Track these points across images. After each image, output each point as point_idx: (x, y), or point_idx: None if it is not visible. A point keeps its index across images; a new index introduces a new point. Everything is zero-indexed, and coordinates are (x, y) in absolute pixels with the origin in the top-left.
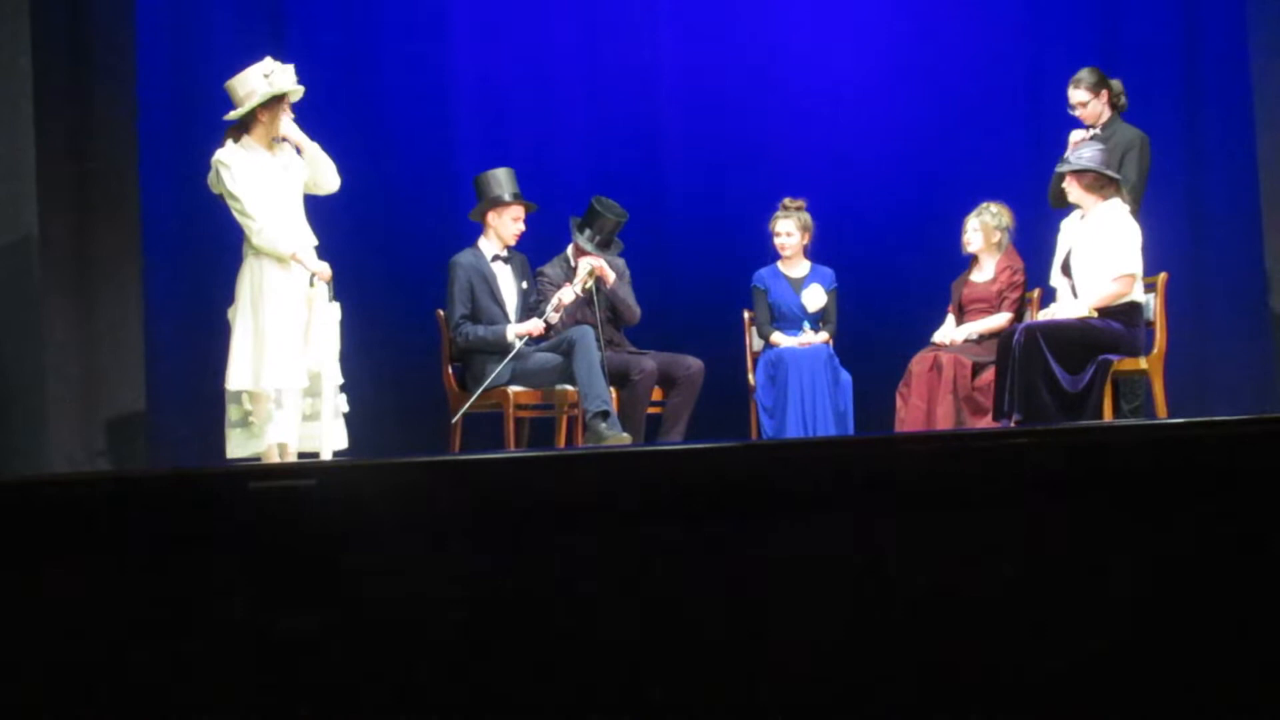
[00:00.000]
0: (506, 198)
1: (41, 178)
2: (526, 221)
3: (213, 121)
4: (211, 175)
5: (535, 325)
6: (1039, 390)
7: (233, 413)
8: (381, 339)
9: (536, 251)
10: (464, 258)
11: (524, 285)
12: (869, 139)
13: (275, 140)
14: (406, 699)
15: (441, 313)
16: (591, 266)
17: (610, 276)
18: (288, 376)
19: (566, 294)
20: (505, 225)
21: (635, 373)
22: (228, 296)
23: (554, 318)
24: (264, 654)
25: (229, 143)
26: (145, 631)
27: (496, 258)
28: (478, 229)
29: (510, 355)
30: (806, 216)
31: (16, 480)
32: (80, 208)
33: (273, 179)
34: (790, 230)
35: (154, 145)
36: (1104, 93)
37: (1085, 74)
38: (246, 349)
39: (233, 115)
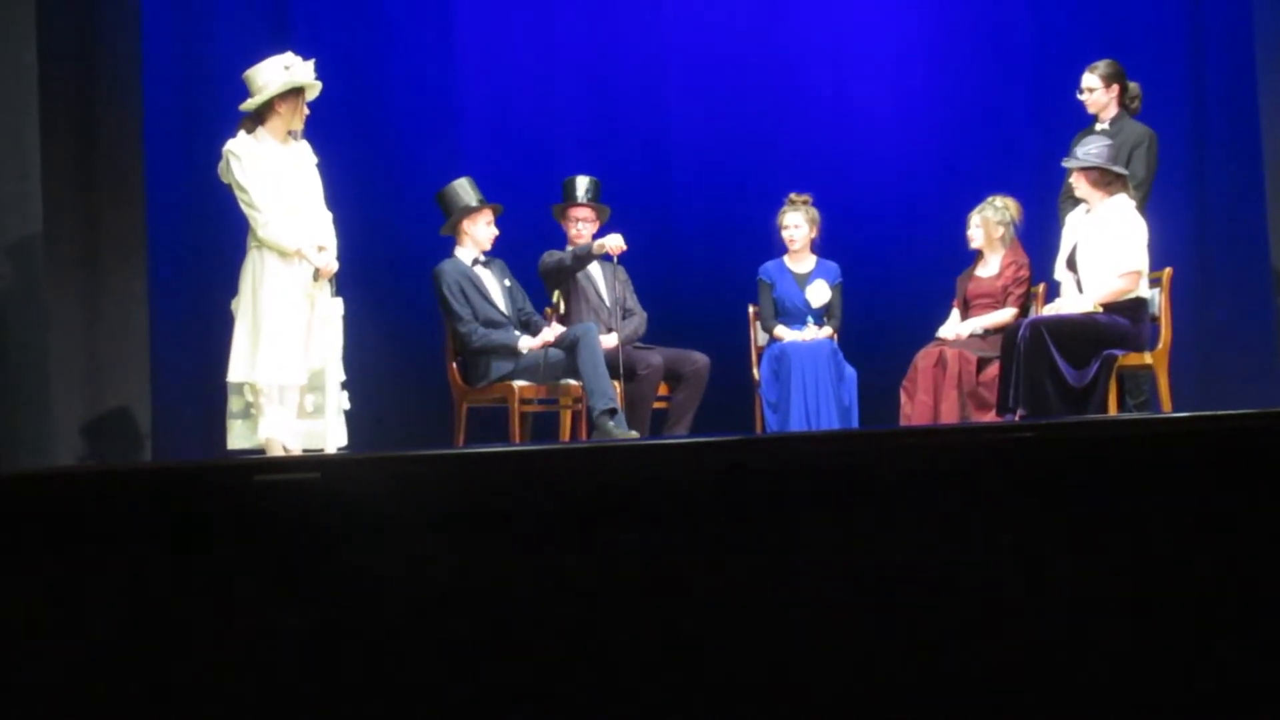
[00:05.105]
0: (475, 204)
1: (47, 172)
2: (534, 219)
3: (218, 115)
4: (221, 164)
5: (547, 335)
6: (1044, 385)
7: (234, 404)
8: (386, 334)
9: (537, 249)
10: (446, 265)
11: (507, 283)
12: (874, 135)
13: (290, 134)
14: (411, 694)
15: (454, 311)
16: (603, 241)
17: (620, 248)
18: (285, 371)
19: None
20: (480, 230)
21: (641, 368)
22: (232, 289)
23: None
24: (266, 648)
25: (241, 133)
26: (147, 626)
27: (476, 261)
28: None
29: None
30: (814, 211)
31: (20, 473)
32: (86, 201)
33: (284, 173)
34: (798, 223)
35: (159, 139)
36: (1115, 87)
37: (1103, 64)
38: (246, 341)
39: (248, 105)
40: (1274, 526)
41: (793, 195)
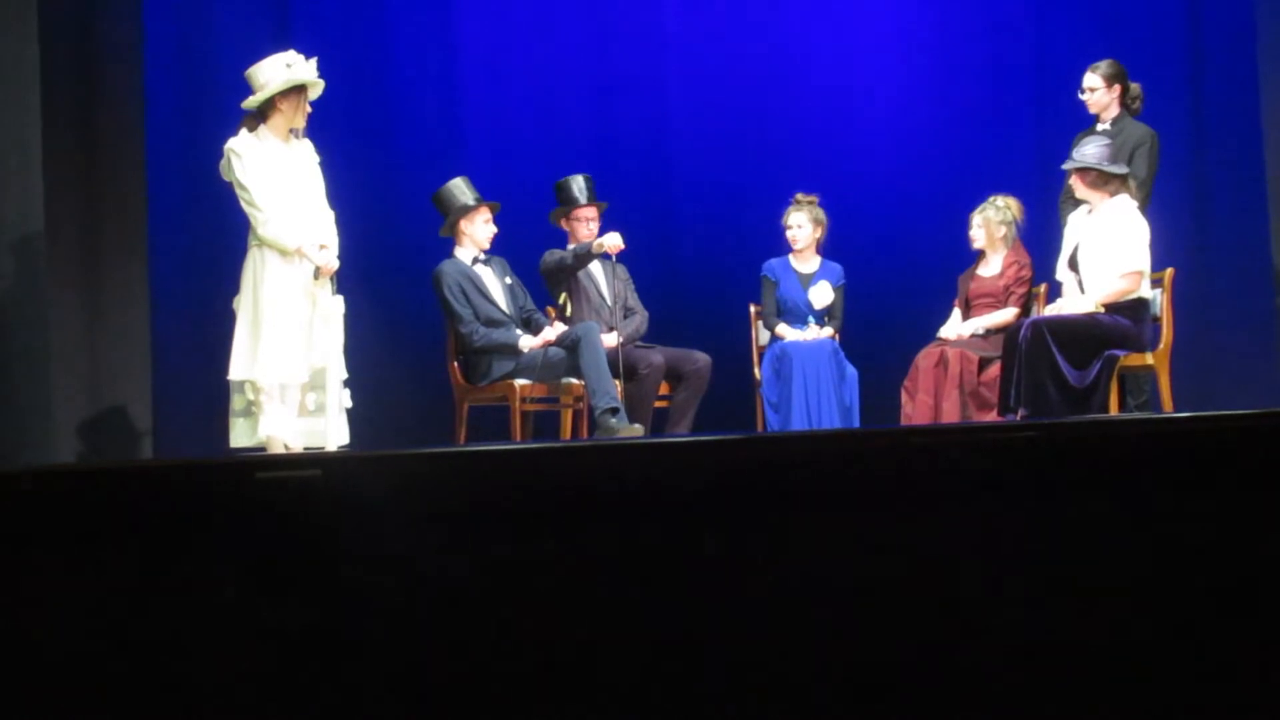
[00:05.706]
0: (471, 203)
1: (48, 171)
2: (534, 219)
3: (220, 113)
4: (223, 162)
5: (549, 334)
6: (1045, 385)
7: (236, 402)
8: (386, 332)
9: (538, 248)
10: (446, 265)
11: (508, 281)
12: (875, 134)
13: (292, 132)
14: (412, 692)
15: (455, 311)
16: (602, 240)
17: (618, 246)
18: (285, 370)
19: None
20: (478, 229)
21: (643, 367)
22: (234, 288)
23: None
24: (267, 645)
25: (243, 131)
26: (149, 622)
27: (476, 260)
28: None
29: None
30: (819, 211)
31: (22, 470)
32: (86, 200)
33: (285, 171)
34: (801, 223)
35: (160, 137)
36: (1117, 88)
37: (1105, 64)
38: (247, 339)
39: (250, 102)
40: (1274, 526)
41: (799, 195)
